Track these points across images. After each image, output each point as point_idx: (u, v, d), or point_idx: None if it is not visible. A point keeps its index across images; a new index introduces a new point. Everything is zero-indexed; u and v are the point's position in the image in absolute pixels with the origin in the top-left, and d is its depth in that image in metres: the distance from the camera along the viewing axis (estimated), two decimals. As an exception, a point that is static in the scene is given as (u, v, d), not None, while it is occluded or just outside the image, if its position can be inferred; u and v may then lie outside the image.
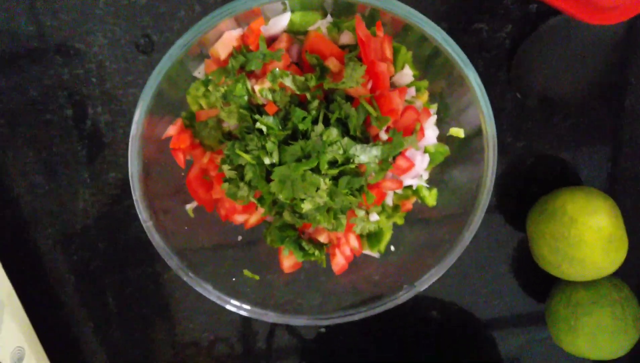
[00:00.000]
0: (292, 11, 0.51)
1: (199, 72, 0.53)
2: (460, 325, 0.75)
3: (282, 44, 0.51)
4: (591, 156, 0.69)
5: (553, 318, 0.67)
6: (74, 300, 0.70)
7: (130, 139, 0.49)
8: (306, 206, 0.52)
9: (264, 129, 0.49)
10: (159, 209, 0.55)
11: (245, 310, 0.55)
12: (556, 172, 0.69)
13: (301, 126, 0.49)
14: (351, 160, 0.50)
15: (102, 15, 0.60)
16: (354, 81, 0.49)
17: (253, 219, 0.60)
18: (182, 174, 0.58)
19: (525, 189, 0.69)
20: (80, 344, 0.73)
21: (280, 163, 0.50)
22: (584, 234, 0.60)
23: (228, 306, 0.55)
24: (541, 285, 0.72)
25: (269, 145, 0.49)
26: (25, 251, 0.68)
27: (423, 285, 0.56)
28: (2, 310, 0.64)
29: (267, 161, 0.50)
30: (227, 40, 0.50)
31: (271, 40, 0.52)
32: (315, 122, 0.50)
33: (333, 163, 0.51)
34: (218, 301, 0.55)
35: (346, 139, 0.50)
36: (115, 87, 0.63)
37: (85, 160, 0.66)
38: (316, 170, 0.50)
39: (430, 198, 0.59)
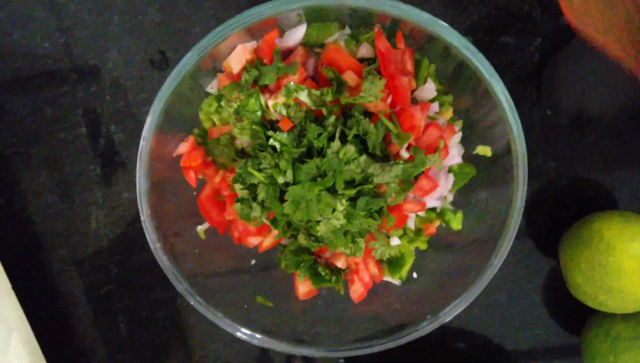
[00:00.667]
0: (309, 23, 0.49)
1: (212, 87, 0.51)
2: (488, 358, 0.70)
3: (297, 58, 0.48)
4: (628, 179, 0.64)
5: (589, 353, 0.62)
6: (85, 324, 0.68)
7: (138, 156, 0.47)
8: (322, 229, 0.49)
9: (278, 146, 0.47)
10: (169, 230, 0.53)
11: (257, 339, 0.52)
12: (590, 195, 0.65)
13: (317, 143, 0.46)
14: (369, 180, 0.47)
15: (117, 32, 0.59)
16: (373, 95, 0.46)
17: (267, 242, 0.57)
18: (194, 194, 0.56)
19: (557, 214, 0.65)
20: (89, 370, 0.70)
21: (295, 182, 0.48)
22: (622, 262, 0.55)
23: (239, 335, 0.52)
24: (576, 316, 0.67)
25: (283, 163, 0.46)
26: (37, 273, 0.66)
27: (448, 315, 0.52)
28: (11, 335, 0.62)
29: (280, 180, 0.47)
30: (240, 54, 0.48)
31: (286, 54, 0.50)
32: (331, 139, 0.47)
33: (350, 183, 0.48)
34: (229, 329, 0.52)
35: (364, 157, 0.47)
36: (129, 104, 0.62)
37: (99, 180, 0.64)
38: (332, 190, 0.47)
39: (456, 221, 0.55)
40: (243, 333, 0.53)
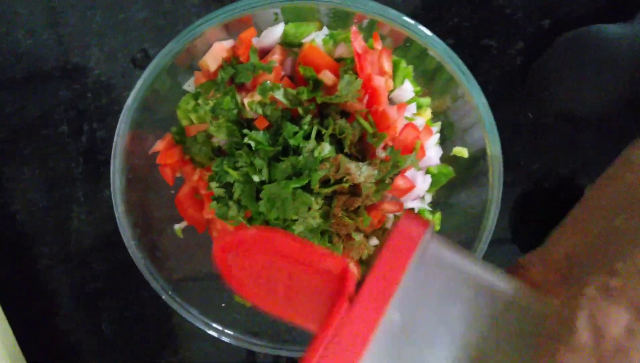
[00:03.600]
0: (286, 22, 0.49)
1: (189, 85, 0.51)
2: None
3: (275, 57, 0.48)
4: (612, 182, 0.64)
5: None
6: (68, 324, 0.68)
7: (112, 152, 0.47)
8: (298, 228, 0.49)
9: (253, 144, 0.47)
10: (147, 228, 0.53)
11: (227, 335, 0.52)
12: (576, 198, 0.64)
13: (292, 142, 0.46)
14: (345, 179, 0.47)
15: (99, 29, 0.59)
16: (349, 94, 0.46)
17: (246, 241, 0.56)
18: (172, 192, 0.56)
19: (544, 218, 0.65)
20: (72, 370, 0.70)
21: (270, 181, 0.47)
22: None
23: (211, 332, 0.52)
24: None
25: (258, 161, 0.46)
26: (19, 271, 0.66)
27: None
28: (-11, 333, 0.61)
29: (256, 178, 0.47)
30: (216, 52, 0.48)
31: (264, 53, 0.50)
32: (307, 138, 0.47)
33: (326, 182, 0.48)
34: (203, 327, 0.52)
35: (340, 156, 0.46)
36: (111, 102, 0.61)
37: (80, 177, 0.64)
38: (308, 189, 0.47)
39: (434, 222, 0.55)
40: (215, 330, 0.52)
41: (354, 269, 0.27)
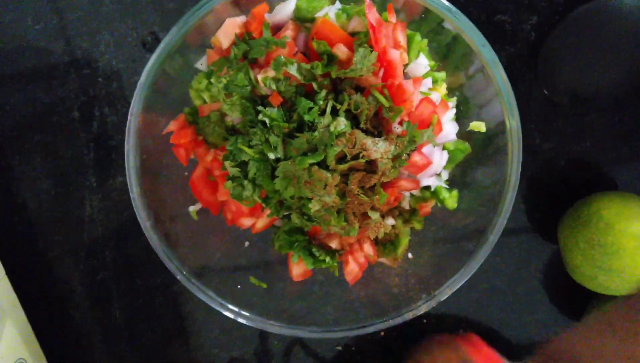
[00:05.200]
0: (298, -3, 0.48)
1: (202, 64, 0.50)
2: (489, 344, 0.69)
3: (288, 32, 0.48)
4: (629, 159, 0.63)
5: (590, 336, 0.61)
6: (80, 311, 0.68)
7: (126, 132, 0.47)
8: (314, 207, 0.49)
9: (267, 121, 0.46)
10: (161, 210, 0.52)
11: (244, 317, 0.51)
12: (590, 176, 0.64)
13: (307, 118, 0.46)
14: (361, 155, 0.46)
15: (108, 12, 0.59)
16: (364, 68, 0.45)
17: (260, 223, 0.56)
18: (186, 174, 0.55)
19: (557, 195, 0.64)
20: (86, 358, 0.69)
21: (286, 158, 0.47)
22: (621, 241, 0.54)
23: (227, 313, 0.51)
24: (577, 302, 0.66)
25: (273, 138, 0.46)
26: (31, 259, 0.66)
27: (443, 294, 0.52)
28: (4, 320, 0.61)
29: (271, 155, 0.47)
30: (229, 28, 0.47)
31: (277, 29, 0.49)
32: (322, 114, 0.46)
33: (342, 159, 0.47)
34: (219, 308, 0.51)
35: (356, 131, 0.46)
36: (122, 87, 0.61)
37: (92, 164, 0.64)
38: (323, 166, 0.47)
39: (451, 200, 0.54)
40: (231, 311, 0.52)
41: None
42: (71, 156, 0.63)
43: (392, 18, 0.48)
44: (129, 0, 0.59)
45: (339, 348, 0.69)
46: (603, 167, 0.63)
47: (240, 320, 0.52)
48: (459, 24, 0.45)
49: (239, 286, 0.56)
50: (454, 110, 0.53)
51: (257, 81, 0.47)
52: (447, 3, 0.45)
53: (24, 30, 0.60)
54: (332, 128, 0.45)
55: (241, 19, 0.48)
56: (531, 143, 0.62)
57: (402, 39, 0.48)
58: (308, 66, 0.46)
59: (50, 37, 0.60)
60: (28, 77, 0.61)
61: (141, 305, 0.68)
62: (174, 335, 0.68)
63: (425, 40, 0.50)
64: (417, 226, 0.56)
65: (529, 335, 0.68)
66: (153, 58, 0.45)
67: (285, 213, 0.53)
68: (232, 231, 0.57)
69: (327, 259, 0.55)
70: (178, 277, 0.50)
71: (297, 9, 0.48)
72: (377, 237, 0.54)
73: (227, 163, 0.49)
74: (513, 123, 0.47)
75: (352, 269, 0.55)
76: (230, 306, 0.51)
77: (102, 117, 0.62)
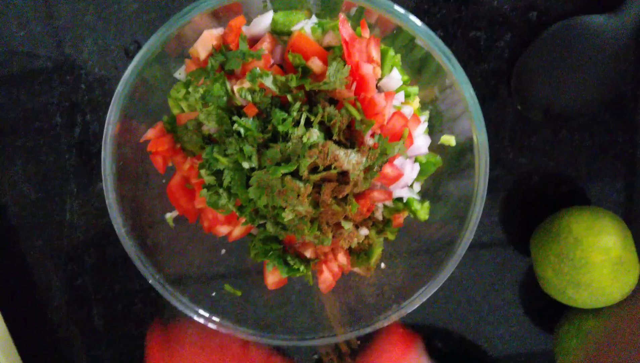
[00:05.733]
0: (275, 10, 0.49)
1: (180, 73, 0.51)
2: (465, 355, 0.70)
3: (264, 45, 0.49)
4: (602, 174, 0.64)
5: (562, 349, 0.62)
6: (59, 316, 0.68)
7: (103, 139, 0.48)
8: (288, 216, 0.50)
9: (242, 131, 0.47)
10: (137, 216, 0.53)
11: (214, 322, 0.52)
12: (564, 191, 0.65)
13: (281, 128, 0.47)
14: (333, 166, 0.47)
15: (92, 21, 0.60)
16: (337, 81, 0.46)
17: (237, 231, 0.57)
18: (164, 182, 0.56)
19: (531, 210, 0.65)
20: (63, 363, 0.70)
21: (260, 168, 0.48)
22: (590, 255, 0.56)
23: (200, 320, 0.52)
24: (550, 313, 0.67)
25: (247, 148, 0.47)
26: (10, 263, 0.66)
27: (413, 304, 0.52)
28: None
29: (245, 165, 0.48)
30: (206, 39, 0.48)
31: (254, 41, 0.50)
32: (296, 125, 0.47)
33: (315, 169, 0.48)
34: (192, 315, 0.52)
35: (329, 142, 0.47)
36: (104, 94, 0.62)
37: (73, 169, 0.64)
38: (296, 176, 0.48)
39: (423, 211, 0.55)
40: (205, 318, 0.52)
41: None
42: (52, 161, 0.64)
43: (366, 33, 0.49)
44: (111, 8, 0.60)
45: (316, 356, 0.69)
46: (576, 182, 0.65)
47: (211, 325, 0.52)
48: (430, 43, 0.46)
49: (213, 294, 0.56)
50: (426, 124, 0.54)
51: (233, 91, 0.48)
52: (418, 22, 0.46)
53: (8, 36, 0.60)
54: (305, 139, 0.46)
55: (219, 31, 0.49)
56: (505, 158, 0.63)
57: (375, 53, 0.49)
58: (283, 78, 0.47)
59: (34, 43, 0.61)
60: (11, 82, 0.62)
61: (120, 311, 0.68)
62: (152, 341, 0.69)
63: (399, 55, 0.51)
64: (390, 236, 0.57)
65: (504, 347, 0.69)
66: (131, 66, 0.46)
67: (260, 222, 0.54)
68: (209, 239, 0.58)
69: (302, 268, 0.56)
70: (150, 282, 0.51)
71: (274, 22, 0.49)
72: (350, 247, 0.55)
73: (202, 172, 0.50)
74: (481, 139, 0.49)
75: (326, 278, 0.56)
76: (202, 312, 0.52)
77: (84, 123, 0.63)
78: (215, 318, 0.52)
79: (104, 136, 0.48)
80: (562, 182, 0.65)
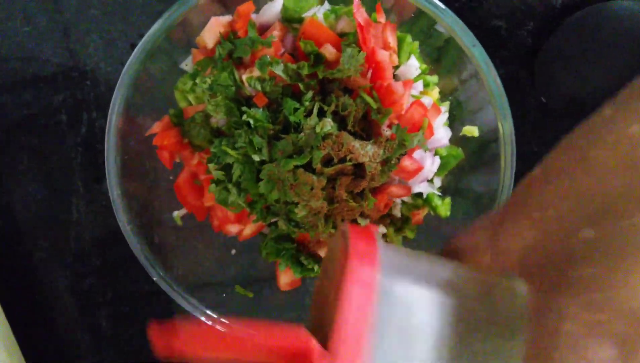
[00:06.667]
0: (286, -3, 0.47)
1: (187, 64, 0.49)
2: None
3: (274, 32, 0.46)
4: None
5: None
6: (65, 318, 0.66)
7: (106, 131, 0.46)
8: (301, 212, 0.47)
9: (252, 122, 0.45)
10: (144, 214, 0.51)
11: (224, 325, 0.49)
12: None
13: (293, 119, 0.44)
14: (348, 158, 0.45)
15: (98, 14, 0.58)
16: (352, 69, 0.44)
17: (248, 230, 0.54)
18: (171, 178, 0.54)
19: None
20: (70, 367, 0.68)
21: (271, 161, 0.45)
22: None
23: (204, 319, 0.49)
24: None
25: (257, 140, 0.44)
26: (16, 264, 0.64)
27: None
28: (-14, 327, 0.60)
29: (255, 158, 0.45)
30: (213, 27, 0.46)
31: (264, 30, 0.48)
32: (309, 115, 0.45)
33: (329, 162, 0.46)
34: (201, 317, 0.50)
35: (343, 133, 0.44)
36: (110, 90, 0.59)
37: (79, 167, 0.62)
38: (309, 168, 0.45)
39: (444, 208, 0.52)
40: (214, 321, 0.50)
41: (315, 345, 0.24)
42: (58, 159, 0.62)
43: (382, 18, 0.46)
44: (117, 3, 0.58)
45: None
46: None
47: (220, 328, 0.50)
48: (450, 23, 0.44)
49: (224, 295, 0.54)
50: (447, 114, 0.51)
51: (242, 81, 0.46)
52: (438, 2, 0.44)
53: (12, 32, 0.59)
54: (318, 130, 0.44)
55: (226, 18, 0.47)
56: (528, 150, 0.60)
57: (392, 40, 0.46)
58: (294, 66, 0.45)
59: (38, 39, 0.59)
60: (15, 79, 0.60)
61: (129, 313, 0.66)
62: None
63: (417, 43, 0.49)
64: (410, 234, 0.55)
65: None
66: (134, 53, 0.44)
67: (272, 220, 0.52)
68: (218, 239, 0.56)
69: (316, 268, 0.53)
70: (155, 279, 0.49)
71: (285, 8, 0.47)
72: (367, 245, 0.53)
73: (211, 166, 0.48)
74: (506, 128, 0.46)
75: (342, 278, 0.54)
76: (211, 314, 0.49)
77: (90, 120, 0.61)
78: (224, 321, 0.49)
79: (106, 128, 0.46)
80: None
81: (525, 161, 0.61)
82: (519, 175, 0.61)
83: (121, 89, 0.45)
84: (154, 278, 0.49)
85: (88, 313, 0.66)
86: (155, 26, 0.44)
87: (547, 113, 0.60)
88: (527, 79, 0.59)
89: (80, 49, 0.59)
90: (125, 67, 0.45)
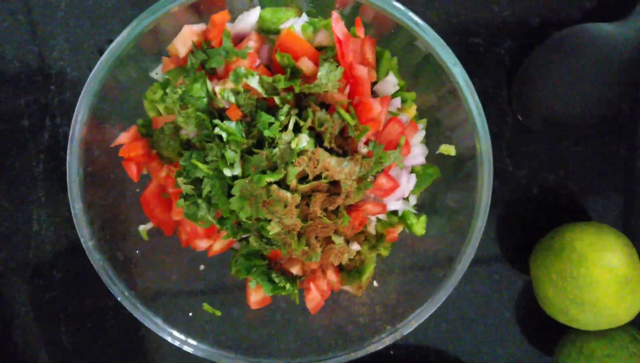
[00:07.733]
0: (262, 7, 0.46)
1: (157, 73, 0.47)
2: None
3: (250, 43, 0.45)
4: (603, 189, 0.61)
5: (562, 372, 0.59)
6: (25, 334, 0.63)
7: (69, 140, 0.43)
8: (273, 229, 0.46)
9: (224, 136, 0.43)
10: (107, 228, 0.49)
11: (191, 345, 0.47)
12: (564, 205, 0.62)
13: (267, 133, 0.43)
14: (324, 175, 0.43)
15: (64, 17, 0.56)
16: (329, 84, 0.43)
17: (217, 245, 0.53)
18: (138, 191, 0.52)
19: (530, 224, 0.62)
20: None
21: (244, 176, 0.44)
22: (594, 274, 0.52)
23: (174, 342, 0.47)
24: (549, 334, 0.63)
25: (229, 154, 0.43)
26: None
27: (408, 327, 0.49)
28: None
29: (227, 172, 0.43)
30: (186, 35, 0.44)
31: (239, 40, 0.46)
32: (284, 129, 0.43)
33: (304, 179, 0.44)
34: (166, 337, 0.48)
35: (319, 149, 0.43)
36: (76, 96, 0.57)
37: (41, 176, 0.60)
38: (283, 185, 0.44)
39: (419, 225, 0.52)
40: (181, 341, 0.48)
41: None
42: (19, 167, 0.59)
43: (361, 33, 0.45)
44: (85, 4, 0.55)
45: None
46: (576, 196, 0.62)
47: (186, 348, 0.48)
48: (430, 41, 0.43)
49: (190, 314, 0.52)
50: (424, 132, 0.50)
51: (214, 92, 0.44)
52: (418, 19, 0.43)
53: (-28, 32, 0.56)
54: (293, 145, 0.42)
55: (200, 27, 0.45)
56: (503, 169, 0.60)
57: (370, 55, 0.45)
58: (270, 79, 0.43)
59: (1, 38, 0.56)
60: (-26, 81, 0.57)
61: (91, 328, 0.63)
62: (126, 360, 0.64)
63: (395, 58, 0.48)
64: (384, 252, 0.54)
65: (499, 368, 0.65)
66: (101, 60, 0.42)
67: (243, 236, 0.50)
68: (186, 254, 0.54)
69: (288, 286, 0.52)
70: (119, 299, 0.46)
71: (261, 19, 0.46)
72: (341, 263, 0.51)
73: (180, 180, 0.46)
74: (483, 147, 0.45)
75: (314, 297, 0.52)
76: (177, 334, 0.47)
77: (53, 127, 0.58)
78: (192, 341, 0.47)
79: (69, 137, 0.43)
80: (562, 196, 0.62)
81: (501, 179, 0.61)
82: (495, 191, 0.61)
83: (87, 96, 0.43)
84: (118, 298, 0.46)
85: (49, 329, 0.63)
86: (125, 32, 0.42)
87: (524, 132, 0.60)
88: (503, 97, 0.59)
89: (44, 51, 0.57)
90: (92, 73, 0.43)
